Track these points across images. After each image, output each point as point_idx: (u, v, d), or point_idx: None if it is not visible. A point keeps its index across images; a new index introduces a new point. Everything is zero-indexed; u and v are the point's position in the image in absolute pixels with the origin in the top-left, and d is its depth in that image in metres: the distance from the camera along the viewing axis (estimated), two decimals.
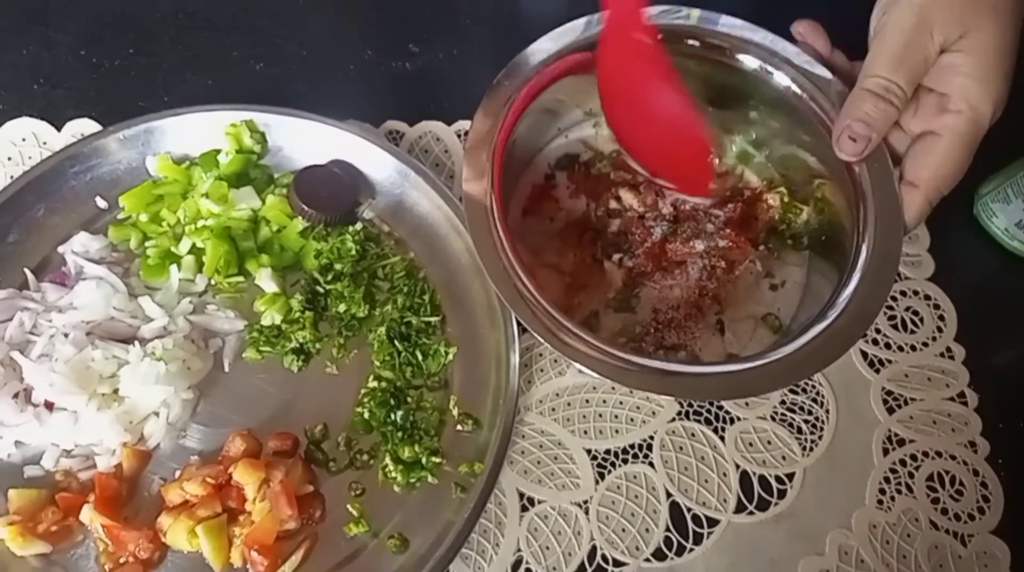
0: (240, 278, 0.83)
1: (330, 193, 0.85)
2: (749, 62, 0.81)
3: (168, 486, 0.74)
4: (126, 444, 0.76)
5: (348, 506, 0.75)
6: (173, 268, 0.82)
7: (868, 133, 0.72)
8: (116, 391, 0.77)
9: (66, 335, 0.77)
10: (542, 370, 0.83)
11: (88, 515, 0.72)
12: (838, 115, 0.75)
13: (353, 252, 0.83)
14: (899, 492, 0.78)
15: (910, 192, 0.73)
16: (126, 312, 0.80)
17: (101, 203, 0.86)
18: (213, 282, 0.83)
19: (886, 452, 0.80)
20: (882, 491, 0.79)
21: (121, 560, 0.71)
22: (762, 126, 0.86)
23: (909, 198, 0.73)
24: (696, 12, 0.81)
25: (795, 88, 0.79)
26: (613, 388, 0.82)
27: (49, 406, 0.76)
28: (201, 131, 0.87)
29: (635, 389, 0.77)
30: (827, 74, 0.78)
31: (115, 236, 0.84)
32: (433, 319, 0.82)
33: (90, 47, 0.99)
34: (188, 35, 1.01)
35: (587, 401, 0.82)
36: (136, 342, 0.78)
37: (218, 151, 0.86)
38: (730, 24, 0.81)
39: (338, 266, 0.83)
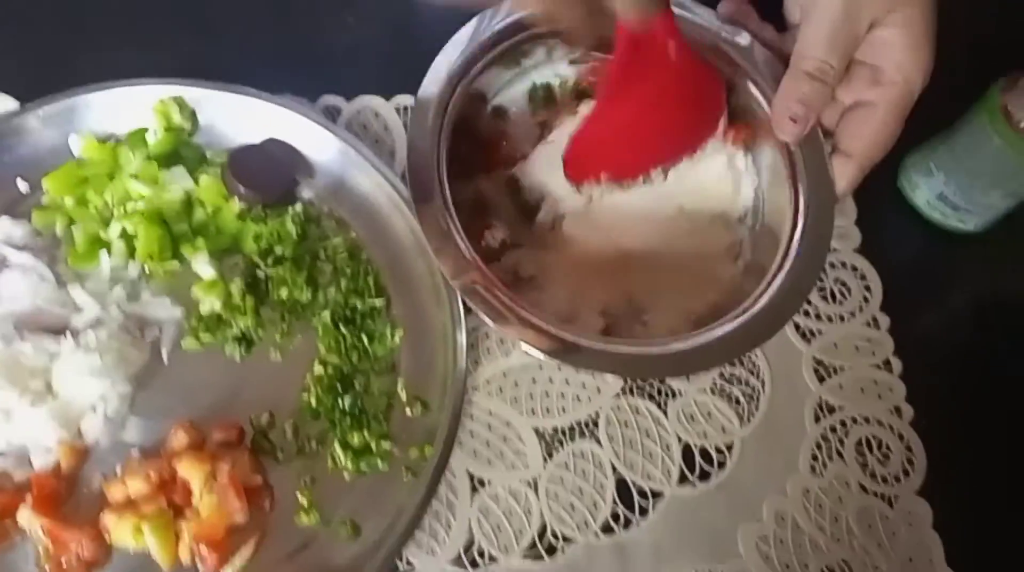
0: (175, 263, 0.80)
1: (267, 173, 0.82)
2: None
3: (110, 484, 0.72)
4: (63, 441, 0.73)
5: (298, 495, 0.74)
6: (103, 254, 0.78)
7: (807, 114, 0.74)
8: (49, 386, 0.74)
9: None
10: (488, 350, 0.83)
11: (26, 517, 0.70)
12: (774, 96, 0.76)
13: (294, 234, 0.81)
14: (830, 458, 0.82)
15: (843, 163, 0.76)
16: (55, 302, 0.76)
17: (23, 186, 0.82)
18: (147, 269, 0.80)
19: (817, 420, 0.83)
20: (815, 457, 0.82)
21: (63, 561, 0.69)
22: None
23: (842, 168, 0.76)
24: None
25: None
26: (559, 367, 0.83)
27: None
28: (128, 108, 0.83)
29: (581, 369, 0.78)
30: (746, 40, 0.79)
31: (39, 221, 0.80)
32: (378, 301, 0.81)
33: (9, 17, 0.93)
34: (114, 4, 0.95)
35: (534, 380, 0.82)
36: (68, 333, 0.75)
37: (146, 130, 0.82)
38: None
39: (279, 249, 0.81)
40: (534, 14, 0.76)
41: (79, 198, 0.80)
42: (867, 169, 0.76)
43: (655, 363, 0.70)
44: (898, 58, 0.73)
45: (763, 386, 0.85)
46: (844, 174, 0.76)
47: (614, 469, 0.80)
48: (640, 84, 0.75)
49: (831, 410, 0.84)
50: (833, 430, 0.84)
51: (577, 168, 0.81)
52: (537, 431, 0.81)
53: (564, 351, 0.69)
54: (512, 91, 0.87)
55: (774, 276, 0.72)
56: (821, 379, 0.86)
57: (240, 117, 0.84)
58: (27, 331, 0.74)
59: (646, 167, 0.82)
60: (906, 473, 0.82)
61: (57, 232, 0.80)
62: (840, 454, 0.83)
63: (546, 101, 0.87)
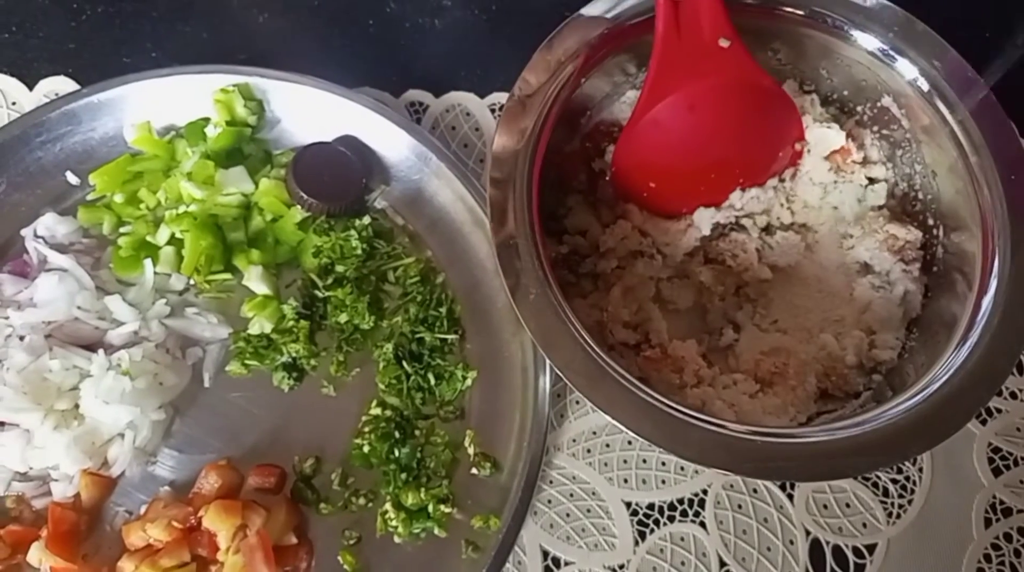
0: (227, 275, 0.71)
1: (335, 178, 0.72)
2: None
3: (129, 526, 0.63)
4: (86, 470, 0.65)
5: (339, 557, 0.65)
6: (147, 263, 0.70)
7: None
8: (76, 407, 0.66)
9: (21, 338, 0.66)
10: (578, 402, 0.71)
11: (37, 555, 0.62)
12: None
13: (359, 251, 0.70)
14: None
15: None
16: (92, 312, 0.69)
17: (72, 179, 0.74)
18: (193, 281, 0.71)
19: (988, 523, 0.68)
20: (982, 571, 0.66)
21: None
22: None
23: None
24: None
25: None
26: None
27: None
28: (190, 95, 0.74)
29: (693, 463, 0.64)
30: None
31: (85, 219, 0.73)
32: (450, 336, 0.70)
33: None
34: None
35: (629, 443, 0.70)
36: (101, 350, 0.66)
37: (206, 121, 0.73)
38: None
39: (340, 268, 0.70)
40: None
41: (129, 195, 0.72)
42: None
43: (790, 460, 0.54)
44: None
45: (920, 475, 0.69)
46: None
47: (721, 562, 0.66)
48: (688, 79, 0.64)
49: (1007, 512, 0.68)
50: (1009, 538, 0.68)
51: (624, 176, 0.69)
52: (629, 506, 0.68)
53: (670, 438, 0.54)
54: (617, 102, 0.74)
55: (960, 343, 0.55)
56: (997, 471, 0.69)
57: (311, 113, 0.75)
58: (57, 344, 0.66)
59: (713, 190, 0.69)
60: None
61: (104, 231, 0.73)
62: (1016, 570, 0.66)
63: None
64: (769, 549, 0.66)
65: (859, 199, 0.70)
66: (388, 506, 0.65)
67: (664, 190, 0.69)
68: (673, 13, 0.63)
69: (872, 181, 0.70)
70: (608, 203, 0.72)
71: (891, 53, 0.65)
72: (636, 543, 0.66)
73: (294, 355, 0.69)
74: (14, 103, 0.80)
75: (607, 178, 0.71)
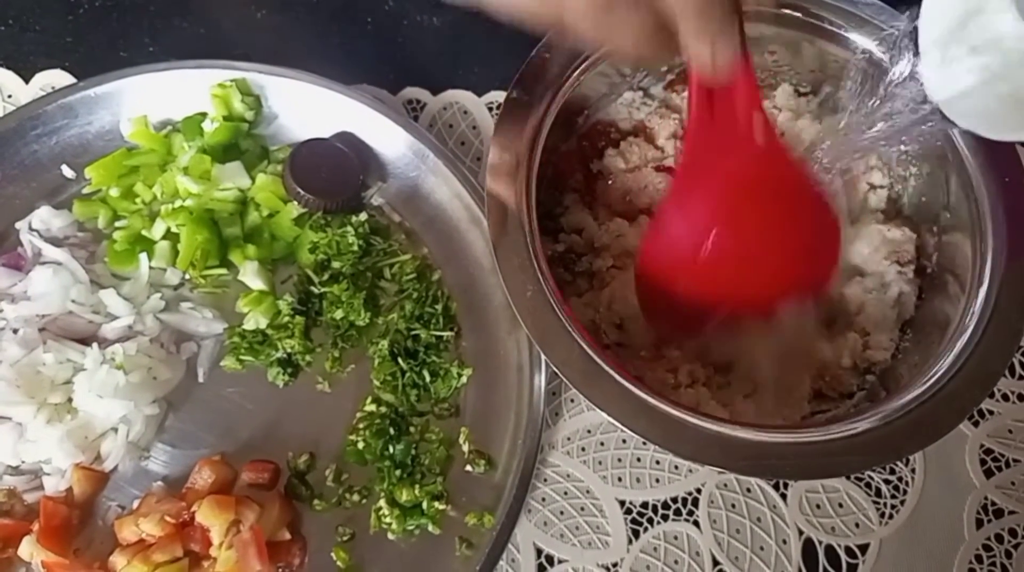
0: (222, 270, 0.71)
1: (332, 174, 0.72)
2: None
3: (121, 521, 0.63)
4: (79, 464, 0.65)
5: (333, 554, 0.64)
6: (143, 257, 0.69)
7: None
8: (70, 401, 0.66)
9: (15, 331, 0.66)
10: (572, 400, 0.70)
11: (28, 549, 0.62)
12: None
13: (355, 247, 0.70)
14: None
15: None
16: (87, 306, 0.68)
17: (68, 172, 0.74)
18: (190, 277, 0.71)
19: (980, 524, 0.68)
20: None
21: None
22: None
23: None
24: None
25: None
26: None
27: None
28: (187, 90, 0.74)
29: (688, 460, 0.64)
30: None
31: (81, 213, 0.72)
32: (446, 333, 0.69)
33: None
34: None
35: (624, 441, 0.69)
36: (95, 344, 0.66)
37: (203, 116, 0.73)
38: None
39: (336, 264, 0.70)
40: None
41: (125, 190, 0.72)
42: None
43: (788, 460, 0.54)
44: None
45: (912, 476, 0.69)
46: None
47: (714, 561, 0.66)
48: (720, 171, 0.58)
49: (999, 513, 0.68)
50: (1000, 540, 0.67)
51: (650, 290, 0.63)
52: (623, 504, 0.67)
53: (666, 436, 0.54)
54: (615, 102, 0.73)
55: (953, 344, 0.56)
56: (989, 473, 0.69)
57: (308, 109, 0.74)
58: (51, 338, 0.66)
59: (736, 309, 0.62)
60: None
61: (100, 225, 0.72)
62: (1007, 571, 0.65)
63: None
64: (762, 548, 0.66)
65: (860, 204, 0.71)
66: (382, 503, 0.64)
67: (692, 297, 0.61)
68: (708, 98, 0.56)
69: (872, 186, 0.70)
70: (604, 202, 0.72)
71: (887, 56, 0.65)
72: (630, 541, 0.66)
73: (289, 351, 0.68)
74: (10, 96, 0.80)
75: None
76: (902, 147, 0.55)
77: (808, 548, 0.66)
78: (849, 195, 0.70)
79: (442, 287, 0.71)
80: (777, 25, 0.67)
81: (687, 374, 0.66)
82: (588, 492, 0.68)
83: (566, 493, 0.68)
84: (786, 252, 0.61)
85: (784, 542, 0.66)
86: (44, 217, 0.71)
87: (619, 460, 0.68)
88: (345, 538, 0.65)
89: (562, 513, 0.67)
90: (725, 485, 0.68)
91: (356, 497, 0.65)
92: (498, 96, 0.80)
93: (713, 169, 0.58)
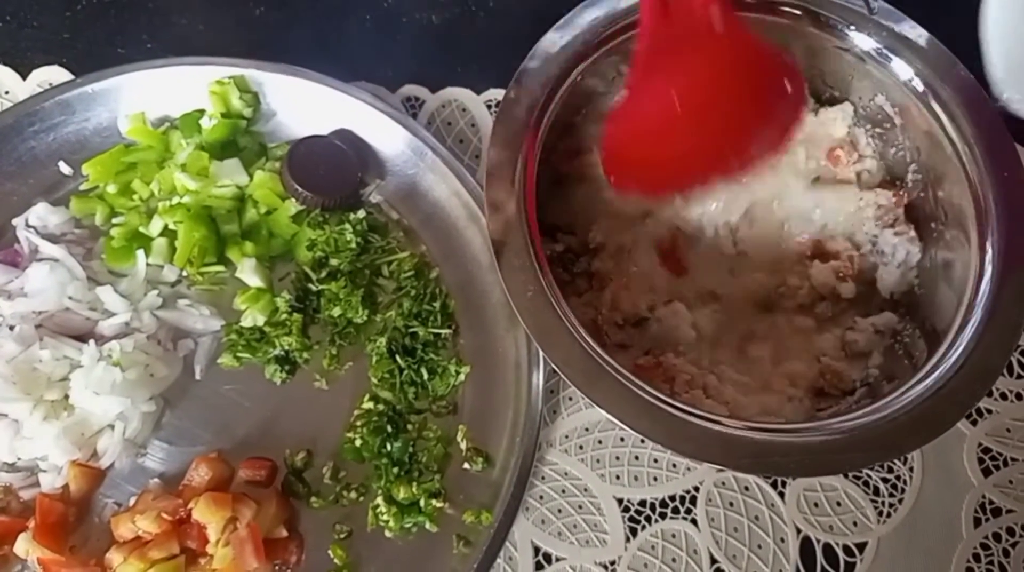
0: (220, 268, 0.71)
1: (330, 171, 0.71)
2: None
3: (118, 518, 0.63)
4: (75, 461, 0.65)
5: (330, 551, 0.64)
6: (140, 253, 0.69)
7: None
8: (67, 398, 0.65)
9: (12, 328, 0.66)
10: (570, 398, 0.70)
11: (24, 546, 0.62)
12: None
13: (353, 245, 0.70)
14: None
15: None
16: (84, 303, 0.68)
17: (65, 169, 0.74)
18: (186, 273, 0.70)
19: (978, 523, 0.68)
20: (971, 570, 0.66)
21: None
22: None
23: None
24: None
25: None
26: None
27: None
28: (185, 87, 0.74)
29: (689, 458, 0.63)
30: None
31: (78, 209, 0.72)
32: (444, 331, 0.69)
33: None
34: None
35: (622, 440, 0.69)
36: (92, 341, 0.66)
37: (201, 112, 0.73)
38: None
39: (334, 261, 0.70)
40: None
41: (123, 186, 0.72)
42: None
43: (789, 457, 0.54)
44: None
45: (911, 474, 0.69)
46: None
47: (712, 559, 0.66)
48: (677, 62, 0.60)
49: (997, 512, 0.68)
50: (998, 538, 0.67)
51: (618, 170, 0.66)
52: (620, 502, 0.67)
53: (667, 434, 0.54)
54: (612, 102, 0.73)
55: (954, 340, 0.56)
56: (987, 472, 0.69)
57: (307, 106, 0.74)
58: (48, 334, 0.66)
59: (702, 173, 0.66)
60: None
61: (97, 222, 0.72)
62: (1004, 569, 0.66)
63: None
64: (760, 547, 0.66)
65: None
66: (379, 500, 0.64)
67: (658, 166, 0.65)
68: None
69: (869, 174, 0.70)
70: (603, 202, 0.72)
71: (886, 52, 0.65)
72: (627, 539, 0.66)
73: (287, 348, 0.68)
74: (7, 92, 0.80)
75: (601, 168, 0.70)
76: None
77: (806, 546, 0.66)
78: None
79: (440, 284, 0.71)
80: (775, 19, 0.67)
81: (684, 384, 0.65)
82: (586, 490, 0.68)
83: (564, 491, 0.68)
84: (743, 112, 0.63)
85: (782, 540, 0.66)
86: (41, 213, 0.71)
87: (617, 458, 0.68)
88: (342, 536, 0.64)
89: (560, 511, 0.67)
90: (723, 483, 0.68)
91: (353, 495, 0.65)
92: (497, 94, 0.80)
93: (672, 53, 0.60)
